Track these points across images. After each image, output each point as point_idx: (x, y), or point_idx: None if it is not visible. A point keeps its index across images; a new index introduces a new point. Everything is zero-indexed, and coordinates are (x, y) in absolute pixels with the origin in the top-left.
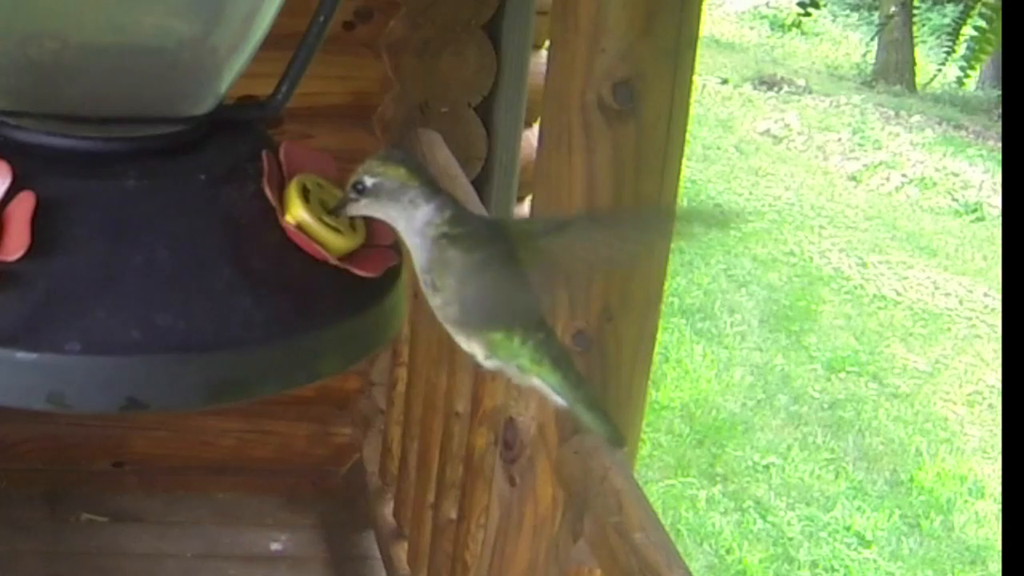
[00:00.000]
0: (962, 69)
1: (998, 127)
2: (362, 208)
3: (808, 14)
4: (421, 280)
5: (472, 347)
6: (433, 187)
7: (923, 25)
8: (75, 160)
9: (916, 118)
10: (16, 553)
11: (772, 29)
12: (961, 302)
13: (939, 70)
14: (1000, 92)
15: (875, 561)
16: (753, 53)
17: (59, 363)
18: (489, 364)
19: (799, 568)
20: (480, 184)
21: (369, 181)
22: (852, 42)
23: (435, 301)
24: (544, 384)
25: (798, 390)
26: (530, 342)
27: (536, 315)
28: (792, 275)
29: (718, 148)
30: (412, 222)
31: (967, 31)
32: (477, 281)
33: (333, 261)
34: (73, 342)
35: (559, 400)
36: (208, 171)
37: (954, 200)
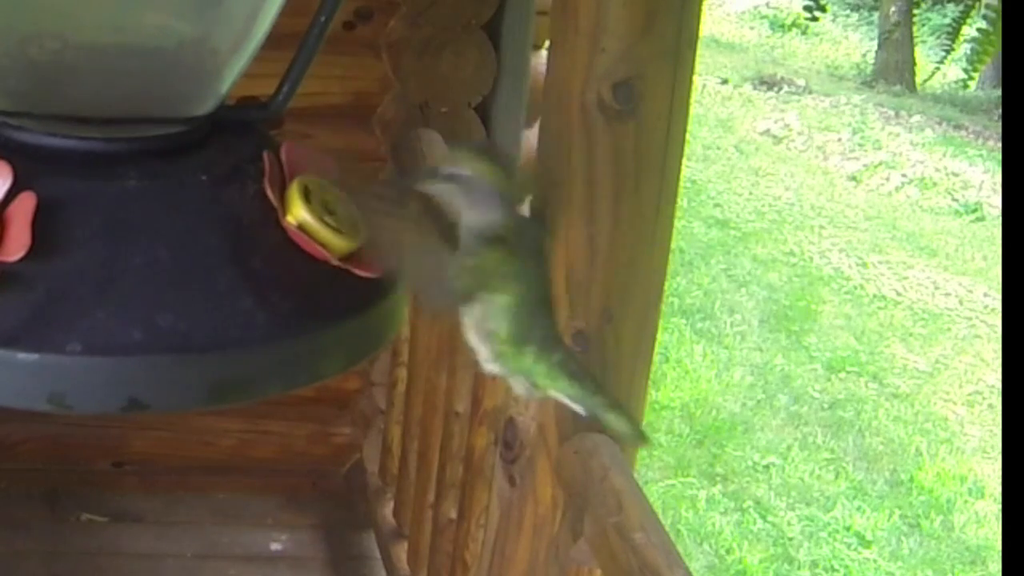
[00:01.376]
0: (965, 71)
1: (998, 127)
2: (436, 189)
3: (815, 18)
4: (452, 269)
5: (480, 348)
6: (504, 196)
7: (923, 25)
8: (76, 161)
9: (916, 118)
10: (16, 553)
11: (772, 29)
12: (961, 302)
13: (938, 68)
14: (1000, 92)
15: (875, 561)
16: (753, 53)
17: (60, 364)
18: (491, 368)
19: (799, 568)
20: None
21: (456, 171)
22: (852, 42)
23: (463, 297)
24: (562, 396)
25: (798, 390)
26: (544, 361)
27: (552, 336)
28: (792, 275)
29: (718, 148)
30: (470, 222)
31: (968, 31)
32: (506, 290)
33: (334, 262)
34: (74, 343)
35: (578, 409)
36: (209, 171)
37: (954, 200)
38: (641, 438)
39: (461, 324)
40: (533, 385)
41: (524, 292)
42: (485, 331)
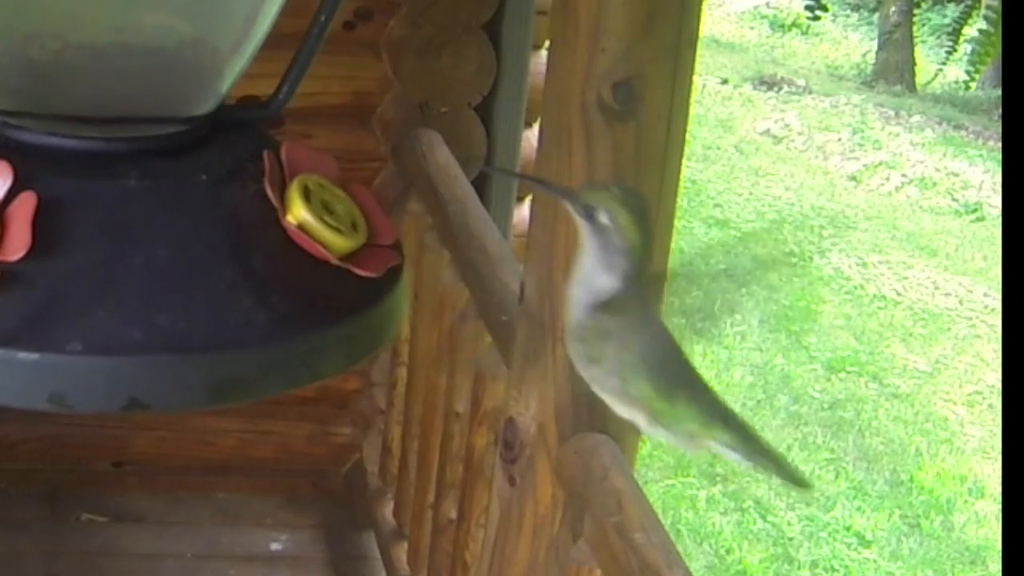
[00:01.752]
0: (968, 73)
1: (998, 127)
2: (580, 229)
3: (817, 18)
4: (570, 347)
5: (634, 415)
6: (638, 256)
7: (923, 25)
8: (76, 160)
9: (916, 118)
10: (16, 553)
11: (772, 29)
12: (961, 302)
13: (940, 70)
14: (1000, 92)
15: (875, 561)
16: (753, 53)
17: (60, 363)
18: (653, 432)
19: (799, 568)
20: (480, 184)
21: (596, 213)
22: (852, 42)
23: (592, 372)
24: (719, 445)
25: (798, 390)
26: (695, 406)
27: (696, 379)
28: (792, 275)
29: (718, 148)
30: (594, 278)
31: (969, 32)
32: (636, 349)
33: (334, 261)
34: (74, 342)
35: (736, 457)
36: (209, 171)
37: (954, 200)
38: (805, 482)
39: (605, 399)
40: (690, 436)
41: (652, 345)
42: (630, 397)
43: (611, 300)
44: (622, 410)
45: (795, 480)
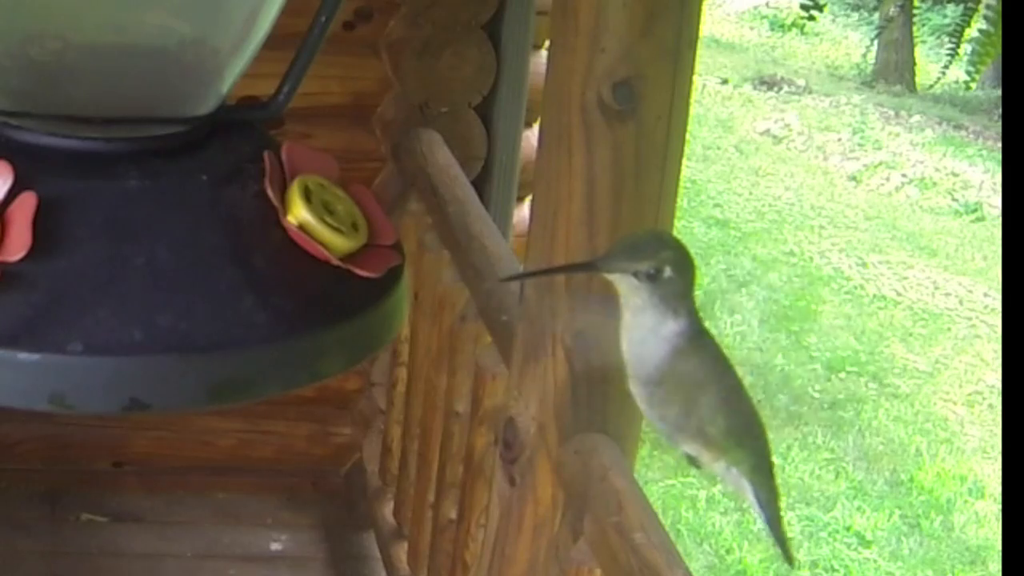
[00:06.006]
0: (968, 73)
1: (998, 127)
2: (634, 291)
3: (812, 18)
4: (641, 390)
5: (701, 451)
6: (692, 299)
7: (923, 25)
8: (77, 161)
9: (916, 118)
10: (16, 553)
11: (772, 29)
12: (961, 302)
13: (943, 75)
14: (1000, 92)
15: (875, 561)
16: (753, 53)
17: (61, 364)
18: (712, 467)
19: (799, 568)
20: (480, 184)
21: (665, 271)
22: (852, 42)
23: (665, 411)
24: (755, 499)
25: (798, 390)
26: (757, 451)
27: (756, 419)
28: (792, 275)
29: (718, 148)
30: (662, 327)
31: (969, 32)
32: (715, 389)
33: (335, 261)
34: (75, 343)
35: (761, 515)
36: (210, 171)
37: (954, 200)
38: (791, 558)
39: (674, 436)
40: (739, 473)
41: (728, 384)
42: (705, 435)
43: (684, 341)
44: (689, 446)
45: (786, 551)
